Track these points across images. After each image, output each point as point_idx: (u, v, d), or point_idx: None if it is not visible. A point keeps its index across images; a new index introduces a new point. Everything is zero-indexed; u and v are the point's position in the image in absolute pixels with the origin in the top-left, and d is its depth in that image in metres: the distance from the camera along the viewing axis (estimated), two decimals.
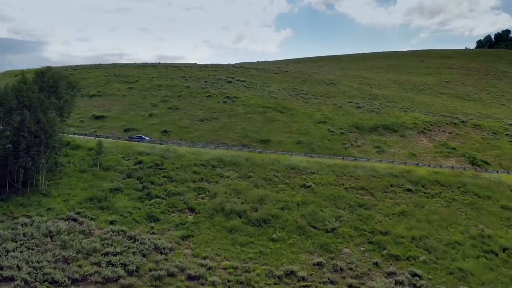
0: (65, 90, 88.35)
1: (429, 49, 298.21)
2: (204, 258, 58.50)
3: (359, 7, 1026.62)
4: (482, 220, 73.70)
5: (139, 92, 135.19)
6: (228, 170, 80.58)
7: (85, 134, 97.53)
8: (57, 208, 66.73)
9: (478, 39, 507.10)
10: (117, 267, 54.58)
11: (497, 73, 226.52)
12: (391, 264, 60.87)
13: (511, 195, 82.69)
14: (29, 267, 53.00)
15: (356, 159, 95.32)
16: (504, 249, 66.61)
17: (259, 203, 70.92)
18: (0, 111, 71.57)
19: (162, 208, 68.77)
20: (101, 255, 56.81)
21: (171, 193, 72.51)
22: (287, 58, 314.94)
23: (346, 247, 63.48)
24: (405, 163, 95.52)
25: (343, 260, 60.52)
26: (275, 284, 55.01)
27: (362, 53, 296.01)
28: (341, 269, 58.73)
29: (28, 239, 58.40)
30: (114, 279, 52.86)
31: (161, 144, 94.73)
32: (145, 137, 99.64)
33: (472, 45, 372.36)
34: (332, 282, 56.38)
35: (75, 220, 64.07)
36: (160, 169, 79.37)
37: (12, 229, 60.14)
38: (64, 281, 51.52)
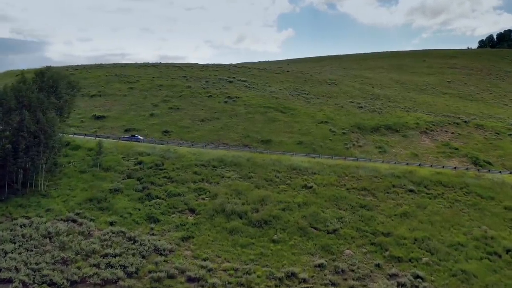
0: (65, 90, 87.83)
1: (431, 49, 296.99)
2: (204, 259, 57.96)
3: (361, 7, 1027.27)
4: (485, 221, 73.05)
5: (140, 92, 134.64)
6: (229, 171, 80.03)
7: (85, 134, 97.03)
8: (56, 209, 66.23)
9: (480, 39, 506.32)
10: (117, 268, 54.06)
11: (499, 73, 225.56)
12: (393, 266, 60.26)
13: None
14: (28, 268, 52.48)
15: (358, 160, 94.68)
16: (508, 251, 65.94)
17: (260, 204, 70.36)
18: None
19: (162, 209, 68.24)
20: (100, 256, 56.29)
21: (171, 194, 71.97)
22: (288, 58, 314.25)
23: (347, 249, 62.88)
24: (407, 164, 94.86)
25: (345, 262, 59.92)
26: (276, 286, 54.49)
27: (364, 53, 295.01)
28: (342, 270, 58.13)
29: (26, 240, 57.87)
30: (113, 281, 52.36)
31: (161, 144, 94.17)
32: (139, 137, 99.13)
33: (474, 45, 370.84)
34: (333, 284, 55.83)
35: (74, 221, 63.54)
36: (161, 169, 78.84)
37: (11, 230, 59.63)
38: (63, 283, 51.00)
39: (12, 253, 54.99)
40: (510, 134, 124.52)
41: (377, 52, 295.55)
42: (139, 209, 67.89)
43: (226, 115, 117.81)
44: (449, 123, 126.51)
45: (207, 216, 67.29)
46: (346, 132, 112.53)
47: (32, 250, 56.17)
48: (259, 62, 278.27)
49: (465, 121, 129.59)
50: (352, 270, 58.53)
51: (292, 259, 59.69)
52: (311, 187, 76.94)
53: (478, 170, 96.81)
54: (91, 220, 64.12)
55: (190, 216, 67.62)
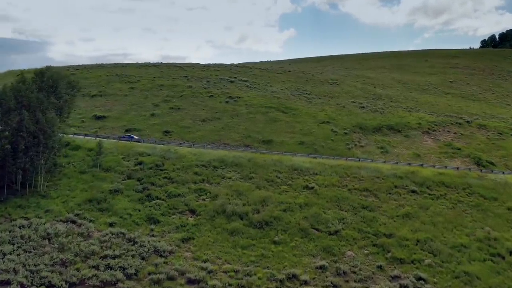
0: (65, 90, 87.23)
1: (433, 49, 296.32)
2: (205, 261, 57.37)
3: (363, 7, 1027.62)
4: (488, 222, 72.46)
5: (140, 92, 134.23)
6: (230, 171, 79.49)
7: (85, 135, 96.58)
8: (55, 209, 65.69)
9: (482, 39, 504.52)
10: (116, 270, 53.41)
11: (502, 72, 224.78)
12: (395, 268, 59.67)
13: None
14: (26, 270, 51.79)
15: (359, 160, 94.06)
16: (511, 252, 65.34)
17: (261, 205, 69.81)
18: None
19: (162, 210, 67.69)
20: (100, 258, 55.67)
21: (171, 195, 71.43)
22: (290, 58, 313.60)
23: (349, 250, 62.31)
24: (409, 164, 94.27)
25: (347, 263, 59.35)
26: None
27: (366, 53, 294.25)
28: (344, 272, 57.55)
29: (25, 242, 57.21)
30: (113, 283, 51.73)
31: (162, 144, 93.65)
32: (134, 136, 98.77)
33: (476, 45, 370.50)
34: (335, 286, 55.29)
35: (73, 222, 62.96)
36: (161, 170, 78.31)
37: (10, 231, 59.03)
38: (61, 285, 50.28)
39: (10, 254, 54.33)
40: None
41: (379, 52, 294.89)
42: (139, 210, 67.36)
43: (227, 115, 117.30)
44: (452, 123, 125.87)
45: (208, 217, 66.75)
46: (348, 132, 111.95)
47: (30, 252, 55.56)
48: (261, 62, 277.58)
49: (468, 121, 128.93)
50: (354, 272, 57.96)
51: (293, 260, 59.14)
52: (312, 187, 76.37)
53: (481, 170, 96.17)
54: (90, 221, 63.56)
55: (191, 217, 67.08)
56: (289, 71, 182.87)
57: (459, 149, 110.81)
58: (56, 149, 74.30)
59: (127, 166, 79.12)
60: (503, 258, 64.25)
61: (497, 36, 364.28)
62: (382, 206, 73.40)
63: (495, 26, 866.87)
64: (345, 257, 60.88)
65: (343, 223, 67.63)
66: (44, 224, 61.35)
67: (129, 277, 53.09)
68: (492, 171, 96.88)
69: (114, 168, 78.15)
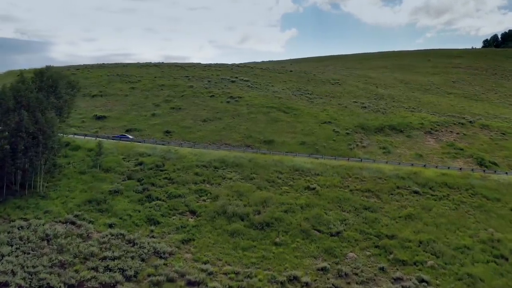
0: (65, 90, 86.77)
1: (435, 49, 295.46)
2: (205, 262, 56.82)
3: (365, 7, 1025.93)
4: (491, 224, 71.68)
5: (141, 92, 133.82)
6: (231, 172, 78.89)
7: (85, 135, 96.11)
8: (55, 210, 65.22)
9: (484, 38, 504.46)
10: (115, 272, 53.03)
11: (504, 72, 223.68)
12: (397, 269, 58.98)
13: None
14: (24, 272, 51.45)
15: (361, 160, 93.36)
16: None
17: (262, 206, 69.20)
18: None
19: (162, 211, 67.14)
20: (99, 259, 55.23)
21: (172, 195, 70.88)
22: (292, 58, 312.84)
23: (351, 252, 61.64)
24: (412, 165, 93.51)
25: (348, 265, 58.71)
26: None
27: (368, 53, 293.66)
28: (346, 274, 56.92)
29: (24, 243, 56.89)
30: (112, 284, 51.33)
31: (162, 145, 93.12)
32: (129, 136, 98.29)
33: (479, 45, 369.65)
34: None
35: (73, 223, 62.49)
36: (161, 170, 77.74)
37: (8, 233, 58.71)
38: (60, 286, 50.03)
39: (9, 256, 54.05)
40: None
41: (380, 52, 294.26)
42: (139, 211, 66.82)
43: (228, 115, 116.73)
44: (454, 123, 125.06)
45: (208, 218, 66.16)
46: (350, 133, 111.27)
47: (29, 253, 55.16)
48: (262, 62, 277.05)
49: (470, 121, 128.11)
50: (356, 274, 57.32)
51: (294, 262, 58.53)
52: (314, 188, 75.71)
53: (484, 171, 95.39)
54: (90, 222, 63.08)
55: (191, 218, 66.50)
56: (291, 71, 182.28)
57: (461, 149, 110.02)
58: (55, 149, 73.86)
59: (127, 166, 78.60)
60: (507, 259, 63.49)
61: (499, 36, 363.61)
62: (384, 207, 72.71)
63: (497, 25, 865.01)
64: (347, 258, 60.23)
65: (345, 224, 66.98)
66: (43, 225, 60.95)
67: (128, 279, 52.61)
68: (495, 171, 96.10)
69: (114, 168, 77.63)
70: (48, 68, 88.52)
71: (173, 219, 65.76)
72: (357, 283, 55.71)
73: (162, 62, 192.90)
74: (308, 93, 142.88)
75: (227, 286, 52.76)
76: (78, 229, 61.33)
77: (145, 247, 58.14)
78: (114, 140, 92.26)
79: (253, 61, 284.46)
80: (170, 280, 52.91)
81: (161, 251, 57.77)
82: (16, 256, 54.15)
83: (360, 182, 79.50)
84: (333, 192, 75.32)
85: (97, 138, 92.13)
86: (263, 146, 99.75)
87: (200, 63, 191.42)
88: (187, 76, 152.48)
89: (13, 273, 51.05)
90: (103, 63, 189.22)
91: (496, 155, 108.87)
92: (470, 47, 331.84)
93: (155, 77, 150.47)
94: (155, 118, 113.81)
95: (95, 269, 53.36)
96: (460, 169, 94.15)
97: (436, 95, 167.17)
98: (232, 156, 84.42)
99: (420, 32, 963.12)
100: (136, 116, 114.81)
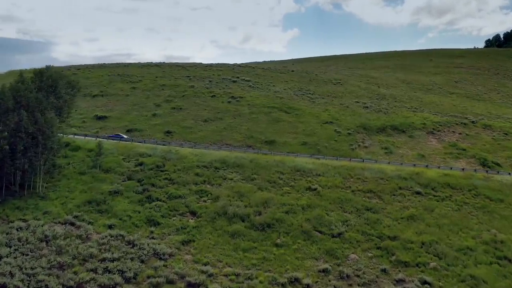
0: (65, 90, 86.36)
1: (437, 48, 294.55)
2: (205, 264, 56.22)
3: (367, 7, 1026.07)
4: (494, 225, 70.92)
5: (142, 92, 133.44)
6: (232, 172, 78.36)
7: (86, 135, 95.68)
8: (54, 211, 64.75)
9: (486, 38, 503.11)
10: (114, 274, 52.30)
11: (507, 72, 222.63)
12: (400, 271, 58.31)
13: None
14: (22, 274, 50.84)
15: (363, 161, 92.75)
16: None
17: (263, 207, 68.62)
18: None
19: (162, 212, 66.61)
20: (98, 261, 54.62)
21: (172, 196, 70.36)
22: (294, 57, 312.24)
23: (353, 253, 61.01)
24: (414, 165, 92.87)
25: (350, 267, 58.05)
26: None
27: (370, 53, 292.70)
28: (347, 276, 56.25)
29: (22, 244, 56.31)
30: (111, 286, 50.68)
31: (163, 145, 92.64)
32: (123, 136, 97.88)
33: (481, 45, 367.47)
34: None
35: (72, 224, 61.95)
36: (162, 171, 77.24)
37: (7, 234, 58.17)
38: None
39: (7, 257, 53.42)
40: None
41: (382, 52, 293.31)
42: (139, 212, 66.31)
43: (229, 115, 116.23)
44: (457, 124, 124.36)
45: (209, 219, 65.60)
46: (352, 133, 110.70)
47: (28, 255, 54.60)
48: (264, 61, 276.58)
49: (473, 121, 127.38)
50: (358, 275, 56.66)
51: (295, 263, 57.93)
52: (315, 189, 75.12)
53: (487, 171, 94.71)
54: (89, 223, 62.55)
55: (191, 219, 65.97)
56: (292, 70, 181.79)
57: (464, 149, 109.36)
58: (55, 149, 73.39)
59: (127, 167, 78.13)
60: (510, 261, 62.60)
61: (501, 36, 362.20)
62: (386, 208, 72.08)
63: (499, 25, 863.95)
64: (349, 260, 59.60)
65: (347, 225, 66.37)
66: (42, 226, 60.41)
67: (127, 280, 52.02)
68: (498, 172, 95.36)
69: (114, 169, 77.17)
70: (48, 68, 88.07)
71: (173, 220, 65.24)
72: (358, 285, 55.04)
73: (163, 62, 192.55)
74: (309, 93, 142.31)
75: None
76: (78, 230, 60.84)
77: (144, 248, 57.53)
78: (115, 141, 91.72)
79: (255, 61, 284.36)
80: (170, 282, 52.31)
81: (161, 252, 57.15)
82: (15, 258, 53.60)
83: (362, 182, 78.89)
84: (334, 192, 74.73)
85: (97, 139, 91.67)
86: (264, 147, 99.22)
87: (201, 63, 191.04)
88: (188, 76, 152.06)
89: (11, 275, 50.47)
90: (104, 63, 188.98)
91: (499, 156, 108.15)
92: (472, 47, 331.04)
93: (156, 77, 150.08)
94: (156, 118, 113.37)
95: (94, 270, 52.76)
96: (463, 169, 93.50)
97: (438, 95, 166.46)
98: (233, 156, 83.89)
99: (422, 32, 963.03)
100: (137, 116, 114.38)
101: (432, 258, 61.04)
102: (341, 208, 70.93)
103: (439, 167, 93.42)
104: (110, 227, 62.07)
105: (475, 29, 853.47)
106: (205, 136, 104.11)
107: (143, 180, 74.25)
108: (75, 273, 52.14)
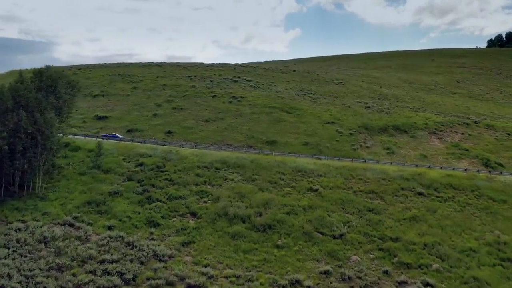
0: (64, 90, 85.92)
1: (439, 48, 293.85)
2: (205, 266, 55.71)
3: (369, 7, 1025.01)
4: (497, 226, 70.20)
5: (143, 92, 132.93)
6: (232, 173, 77.80)
7: (86, 135, 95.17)
8: (53, 212, 64.31)
9: (488, 38, 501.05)
10: (113, 275, 51.90)
11: (509, 72, 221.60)
12: (402, 273, 57.66)
13: None
14: (21, 275, 50.51)
15: (365, 161, 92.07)
16: None
17: (264, 208, 68.04)
18: None
19: (162, 213, 66.11)
20: (97, 262, 54.18)
21: (172, 197, 69.85)
22: (295, 57, 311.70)
23: (354, 254, 60.39)
24: (416, 165, 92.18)
25: (352, 268, 57.42)
26: None
27: (372, 53, 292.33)
28: (349, 278, 55.63)
29: (21, 246, 56.03)
30: None
31: (164, 145, 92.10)
32: (118, 135, 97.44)
33: (483, 45, 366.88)
34: None
35: (71, 225, 61.57)
36: (162, 171, 76.74)
37: (5, 235, 57.86)
38: None
39: (5, 258, 53.12)
40: None
41: (384, 52, 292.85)
42: (139, 213, 65.81)
43: (230, 115, 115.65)
44: (459, 124, 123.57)
45: (209, 220, 65.06)
46: (353, 133, 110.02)
47: (26, 256, 54.23)
48: (265, 61, 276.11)
49: (475, 122, 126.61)
50: (359, 277, 56.02)
51: (296, 265, 57.33)
52: (316, 190, 74.51)
53: (490, 172, 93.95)
54: (88, 224, 62.14)
55: (191, 220, 65.43)
56: (294, 70, 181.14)
57: (466, 150, 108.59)
58: (54, 150, 72.98)
59: (128, 167, 77.64)
60: None
61: (504, 36, 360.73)
62: (388, 209, 71.43)
63: (501, 25, 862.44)
64: (350, 261, 59.00)
65: (348, 227, 65.73)
66: (41, 227, 60.07)
67: (127, 282, 51.55)
68: (501, 172, 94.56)
69: (114, 169, 76.70)
70: (48, 67, 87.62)
71: (173, 221, 64.72)
72: (360, 287, 54.43)
73: (164, 62, 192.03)
74: (311, 93, 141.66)
75: None
76: (77, 231, 60.42)
77: (144, 250, 57.06)
78: (115, 141, 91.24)
79: (256, 61, 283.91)
80: (170, 284, 51.82)
81: (160, 254, 56.67)
82: (13, 259, 53.26)
83: (363, 183, 78.25)
84: (336, 193, 74.11)
85: (97, 139, 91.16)
86: (265, 147, 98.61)
87: (202, 63, 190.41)
88: (189, 76, 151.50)
89: (9, 277, 50.11)
90: (105, 63, 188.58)
91: (501, 156, 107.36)
92: (474, 47, 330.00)
93: (157, 77, 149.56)
94: (157, 118, 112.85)
95: (93, 272, 52.32)
96: (465, 170, 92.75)
97: (440, 95, 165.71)
98: (234, 157, 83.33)
99: (424, 32, 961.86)
100: (137, 116, 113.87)
101: (434, 259, 60.39)
102: (343, 209, 70.31)
103: (441, 168, 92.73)
104: (109, 228, 61.64)
105: (477, 29, 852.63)
106: (206, 136, 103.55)
107: (143, 180, 73.76)
108: (74, 275, 51.74)
